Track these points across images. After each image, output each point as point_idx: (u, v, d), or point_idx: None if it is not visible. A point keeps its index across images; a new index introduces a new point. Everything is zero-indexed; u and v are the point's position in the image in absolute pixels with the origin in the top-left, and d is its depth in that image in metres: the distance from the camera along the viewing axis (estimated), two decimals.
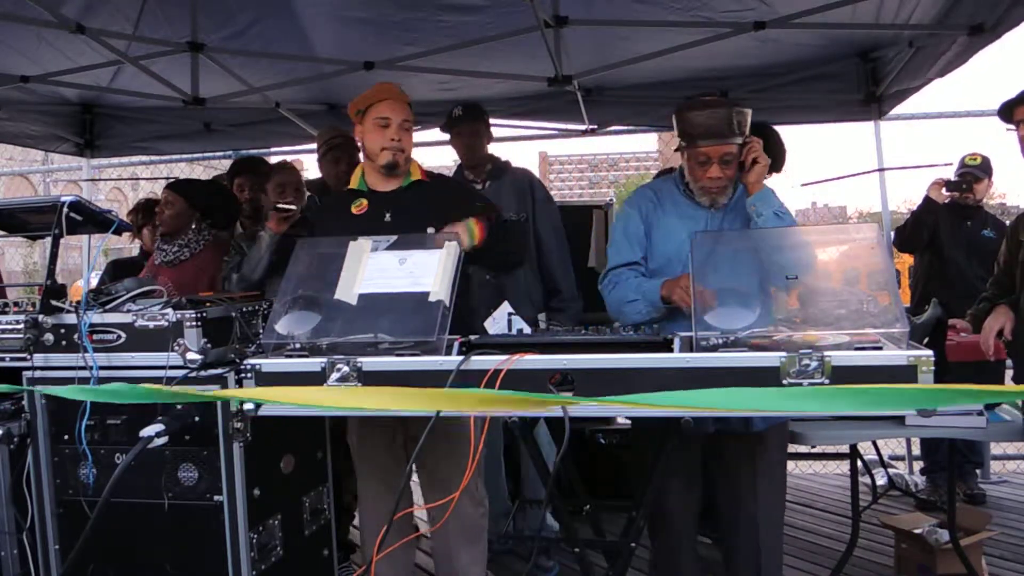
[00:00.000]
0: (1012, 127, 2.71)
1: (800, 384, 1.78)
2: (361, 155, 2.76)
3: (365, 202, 2.69)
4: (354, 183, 2.74)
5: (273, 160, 4.20)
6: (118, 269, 4.21)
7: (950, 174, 4.47)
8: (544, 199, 3.71)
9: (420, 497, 2.77)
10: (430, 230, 2.55)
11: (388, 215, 2.64)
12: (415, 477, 2.83)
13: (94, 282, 3.84)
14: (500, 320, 2.43)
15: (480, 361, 1.90)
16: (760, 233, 2.42)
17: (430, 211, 2.61)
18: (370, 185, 2.72)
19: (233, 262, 3.30)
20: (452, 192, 2.84)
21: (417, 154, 2.78)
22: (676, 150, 2.56)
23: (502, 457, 3.65)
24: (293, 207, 3.07)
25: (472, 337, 2.18)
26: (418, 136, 3.03)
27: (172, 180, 3.74)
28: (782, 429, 2.63)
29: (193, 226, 3.58)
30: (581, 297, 3.70)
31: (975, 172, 4.35)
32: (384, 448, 2.67)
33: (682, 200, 2.58)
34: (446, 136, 3.79)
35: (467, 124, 3.63)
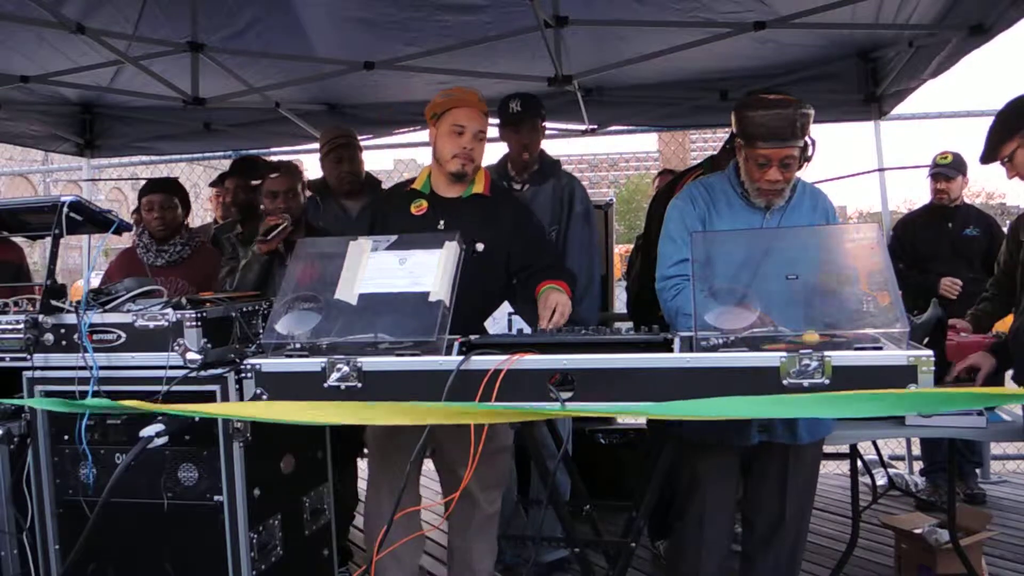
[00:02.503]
0: (1003, 165, 2.66)
1: (800, 384, 1.78)
2: (430, 157, 2.74)
3: (425, 204, 2.68)
4: (419, 184, 2.73)
5: (273, 160, 4.19)
6: None
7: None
8: (581, 213, 3.43)
9: (433, 495, 2.77)
10: (479, 246, 2.56)
11: (443, 222, 2.62)
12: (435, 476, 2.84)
13: (95, 282, 3.84)
14: (500, 320, 2.43)
15: (480, 361, 1.90)
16: (760, 233, 2.41)
17: (485, 227, 2.61)
18: (433, 188, 2.71)
19: (228, 266, 3.28)
20: (509, 210, 2.77)
21: (417, 153, 2.78)
22: (730, 146, 2.52)
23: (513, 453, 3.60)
24: (279, 227, 3.07)
25: (472, 337, 2.18)
26: (418, 135, 3.02)
27: (153, 182, 3.70)
28: (820, 440, 2.62)
29: (185, 223, 3.60)
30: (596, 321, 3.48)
31: (946, 172, 4.33)
32: (402, 447, 2.68)
33: (737, 201, 2.52)
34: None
35: (527, 121, 3.32)
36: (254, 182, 3.37)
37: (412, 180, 2.81)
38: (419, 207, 2.68)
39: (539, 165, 3.45)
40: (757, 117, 2.33)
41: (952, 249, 4.30)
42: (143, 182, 3.81)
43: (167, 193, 3.57)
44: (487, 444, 2.49)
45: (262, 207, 3.35)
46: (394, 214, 2.71)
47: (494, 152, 3.55)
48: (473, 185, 2.70)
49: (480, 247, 2.58)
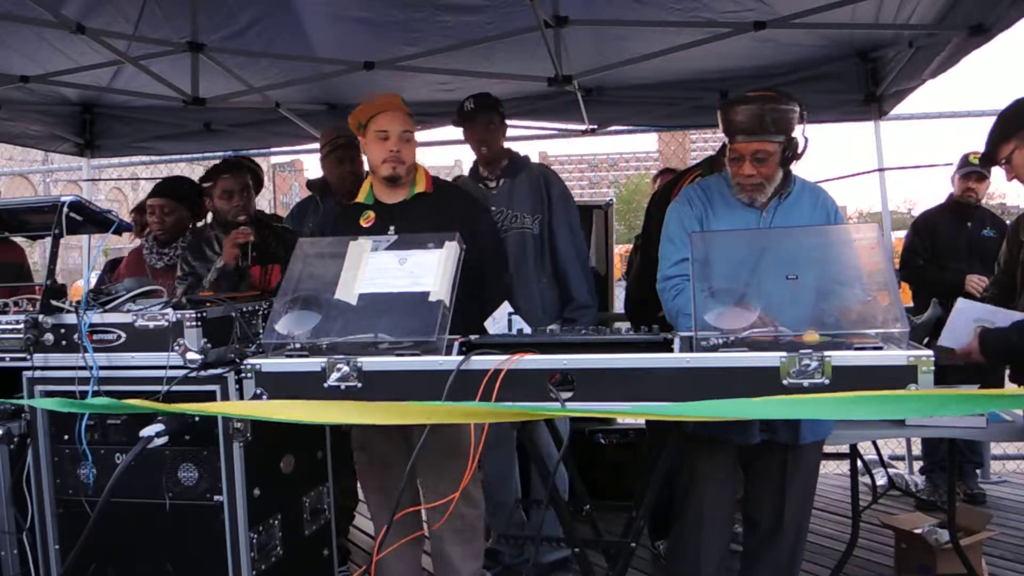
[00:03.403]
0: (1001, 167, 2.67)
1: (800, 384, 1.78)
2: (366, 167, 2.78)
3: (372, 214, 2.72)
4: (362, 196, 2.77)
5: (274, 160, 4.18)
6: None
7: (948, 173, 4.48)
8: (560, 196, 3.50)
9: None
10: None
11: (392, 228, 2.65)
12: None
13: (94, 282, 3.85)
14: (500, 320, 2.43)
15: (480, 361, 1.91)
16: (760, 233, 2.42)
17: (434, 223, 2.61)
18: (377, 197, 2.75)
19: (188, 282, 3.20)
20: (457, 203, 2.81)
21: (418, 154, 2.78)
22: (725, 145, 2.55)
23: (515, 454, 3.58)
24: (249, 239, 3.04)
25: (472, 337, 2.18)
26: (417, 136, 3.01)
27: (159, 184, 3.66)
28: (820, 440, 2.63)
29: (189, 226, 3.59)
30: (596, 302, 3.57)
31: (980, 170, 4.33)
32: (386, 452, 2.69)
33: (733, 200, 2.54)
34: (446, 136, 3.76)
35: (481, 117, 3.43)
36: (204, 184, 3.28)
37: (356, 194, 2.83)
38: (367, 219, 2.71)
39: (508, 161, 3.51)
40: (730, 112, 2.39)
41: (969, 248, 4.30)
42: (143, 182, 3.80)
43: (168, 198, 3.56)
44: (453, 448, 2.51)
45: (216, 207, 3.25)
46: (343, 233, 2.69)
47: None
48: (415, 185, 2.73)
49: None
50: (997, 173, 4.20)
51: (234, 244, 3.04)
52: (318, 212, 3.70)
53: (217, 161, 3.46)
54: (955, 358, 2.57)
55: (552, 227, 3.47)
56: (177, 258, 3.53)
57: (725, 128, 2.42)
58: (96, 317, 2.32)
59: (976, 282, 4.09)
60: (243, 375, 2.05)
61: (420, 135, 3.54)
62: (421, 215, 2.66)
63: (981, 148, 2.75)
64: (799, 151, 2.42)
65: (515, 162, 3.53)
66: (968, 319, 2.58)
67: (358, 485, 3.98)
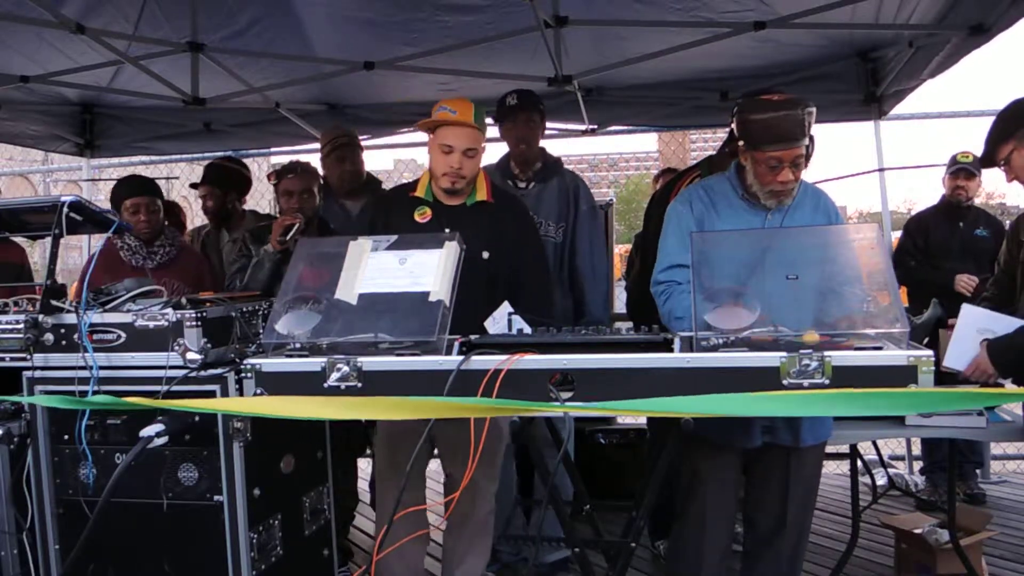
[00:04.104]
0: (1001, 168, 2.67)
1: (800, 384, 1.78)
2: (367, 167, 2.78)
3: (429, 212, 2.73)
4: (420, 191, 2.76)
5: (274, 160, 4.18)
6: None
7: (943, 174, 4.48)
8: (588, 211, 3.47)
9: (435, 495, 2.78)
10: (485, 254, 2.60)
11: (448, 232, 2.65)
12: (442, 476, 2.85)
13: None
14: (500, 320, 2.43)
15: (480, 361, 1.91)
16: (760, 233, 2.41)
17: (490, 234, 2.65)
18: (436, 195, 2.75)
19: (239, 263, 3.29)
20: (515, 217, 2.84)
21: (417, 153, 2.80)
22: (728, 149, 2.52)
23: (512, 454, 3.60)
24: (294, 226, 3.10)
25: (472, 337, 2.18)
26: (418, 135, 3.02)
27: (134, 184, 3.63)
28: (822, 443, 2.62)
29: (166, 223, 3.58)
30: (610, 320, 3.53)
31: (969, 168, 4.33)
32: (410, 445, 2.69)
33: (737, 202, 2.50)
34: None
35: (522, 114, 3.35)
36: (272, 182, 3.39)
37: (413, 184, 2.83)
38: (423, 215, 2.72)
39: (542, 164, 3.47)
40: (765, 120, 2.32)
41: (962, 248, 4.30)
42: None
43: (152, 195, 3.55)
44: (485, 442, 2.50)
45: (279, 205, 3.37)
46: (397, 220, 2.73)
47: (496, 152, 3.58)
48: (476, 192, 2.74)
49: (486, 255, 2.60)
50: (990, 172, 4.23)
51: (279, 227, 3.11)
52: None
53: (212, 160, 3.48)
54: (965, 379, 2.56)
55: (575, 240, 3.45)
56: (167, 255, 3.52)
57: (753, 136, 2.35)
58: (96, 317, 2.31)
59: (966, 281, 4.09)
60: (243, 375, 2.05)
61: (419, 135, 3.52)
62: (478, 223, 2.67)
63: (980, 148, 2.75)
64: (811, 151, 2.41)
65: (548, 166, 3.48)
66: (972, 331, 2.56)
67: (358, 485, 4.00)
